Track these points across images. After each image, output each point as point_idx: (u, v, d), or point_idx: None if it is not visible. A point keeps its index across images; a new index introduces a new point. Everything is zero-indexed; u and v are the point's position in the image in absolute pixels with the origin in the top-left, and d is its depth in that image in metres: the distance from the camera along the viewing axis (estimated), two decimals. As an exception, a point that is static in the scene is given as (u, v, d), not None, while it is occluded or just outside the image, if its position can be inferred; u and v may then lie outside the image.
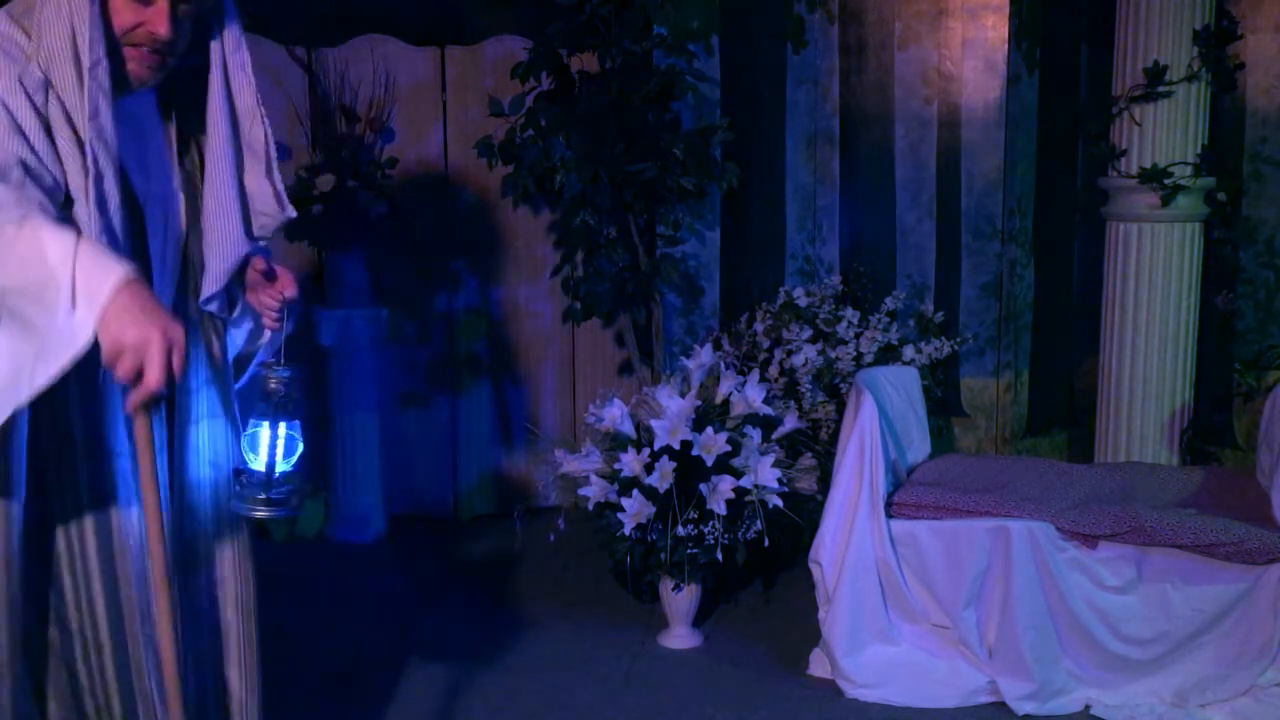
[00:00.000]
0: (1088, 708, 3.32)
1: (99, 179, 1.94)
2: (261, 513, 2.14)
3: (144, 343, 1.72)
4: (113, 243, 1.95)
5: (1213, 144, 4.28)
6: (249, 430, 2.17)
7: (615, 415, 3.69)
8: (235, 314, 2.30)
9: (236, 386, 2.38)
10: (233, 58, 2.13)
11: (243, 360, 2.40)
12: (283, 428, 2.15)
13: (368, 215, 4.55)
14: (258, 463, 2.16)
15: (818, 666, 3.56)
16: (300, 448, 2.19)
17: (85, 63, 1.91)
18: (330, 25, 4.81)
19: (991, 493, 3.51)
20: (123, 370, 1.73)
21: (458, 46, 4.88)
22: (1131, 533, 3.26)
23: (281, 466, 2.15)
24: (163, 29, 1.98)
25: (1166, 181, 4.15)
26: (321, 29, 4.80)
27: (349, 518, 4.80)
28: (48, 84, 1.93)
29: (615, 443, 3.71)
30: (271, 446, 2.14)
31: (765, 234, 5.02)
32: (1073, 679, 3.34)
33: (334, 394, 4.78)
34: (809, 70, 5.01)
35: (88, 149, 1.93)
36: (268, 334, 2.35)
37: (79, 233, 1.81)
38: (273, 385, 2.16)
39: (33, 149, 1.90)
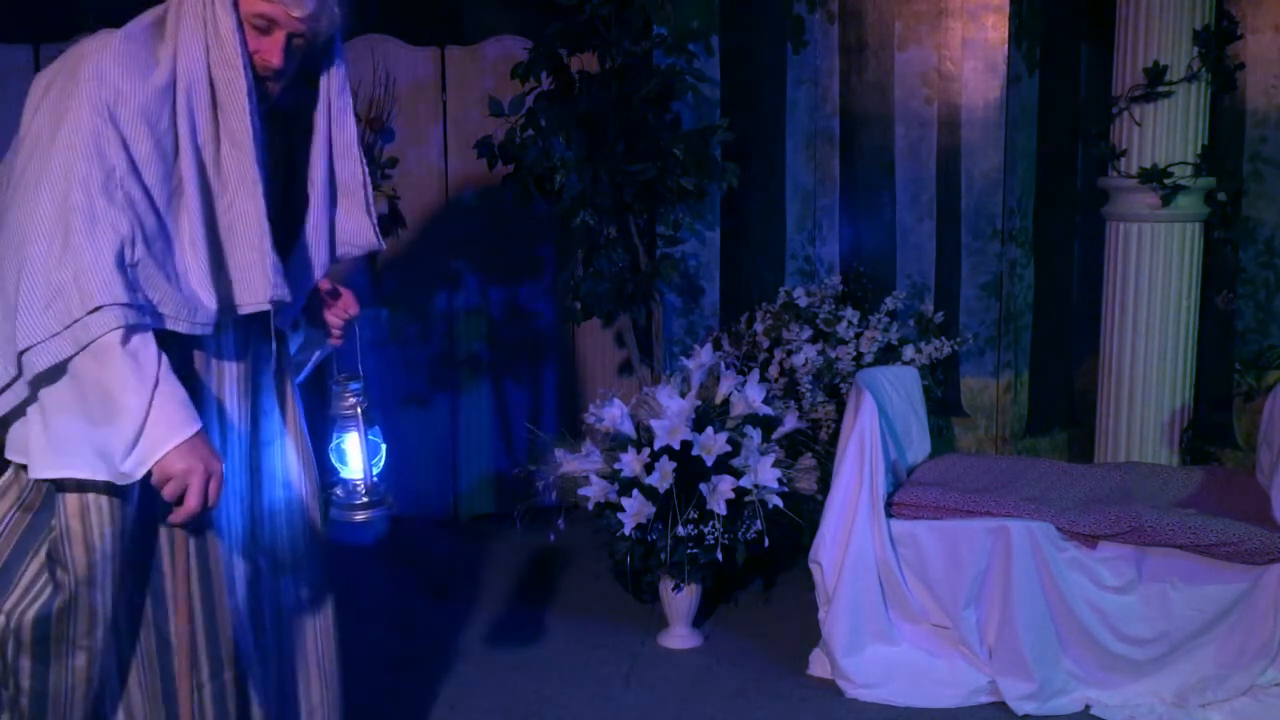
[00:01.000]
0: (1088, 708, 3.32)
1: (254, 186, 2.11)
2: (362, 515, 2.33)
3: (188, 474, 2.00)
4: (247, 255, 2.12)
5: (1213, 144, 4.28)
6: (334, 444, 2.33)
7: (615, 415, 3.69)
8: (294, 330, 2.46)
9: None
10: (338, 100, 2.35)
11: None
12: (359, 436, 2.32)
13: (368, 215, 4.54)
14: (349, 471, 2.33)
15: (818, 666, 3.56)
16: (383, 450, 2.38)
17: (238, 87, 2.06)
18: (330, 25, 4.81)
19: (991, 493, 3.51)
20: (168, 493, 2.02)
21: (458, 46, 4.88)
22: (1131, 533, 3.26)
23: (375, 470, 2.33)
24: (276, 59, 2.13)
25: (1166, 181, 4.15)
26: (321, 29, 4.79)
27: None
28: (175, 101, 2.05)
29: (615, 443, 3.71)
30: (364, 455, 2.31)
31: (765, 234, 5.02)
32: (1073, 679, 3.34)
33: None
34: (809, 70, 5.01)
35: (254, 165, 2.09)
36: (320, 349, 2.53)
37: (159, 365, 2.00)
38: (350, 400, 2.34)
39: (140, 176, 2.02)
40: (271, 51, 2.12)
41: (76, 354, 1.94)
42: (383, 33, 4.80)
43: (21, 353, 1.94)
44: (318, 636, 2.56)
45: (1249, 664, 3.19)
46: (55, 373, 1.97)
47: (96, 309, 1.92)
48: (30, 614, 2.11)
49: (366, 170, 2.35)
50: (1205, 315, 4.48)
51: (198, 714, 2.25)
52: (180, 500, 2.03)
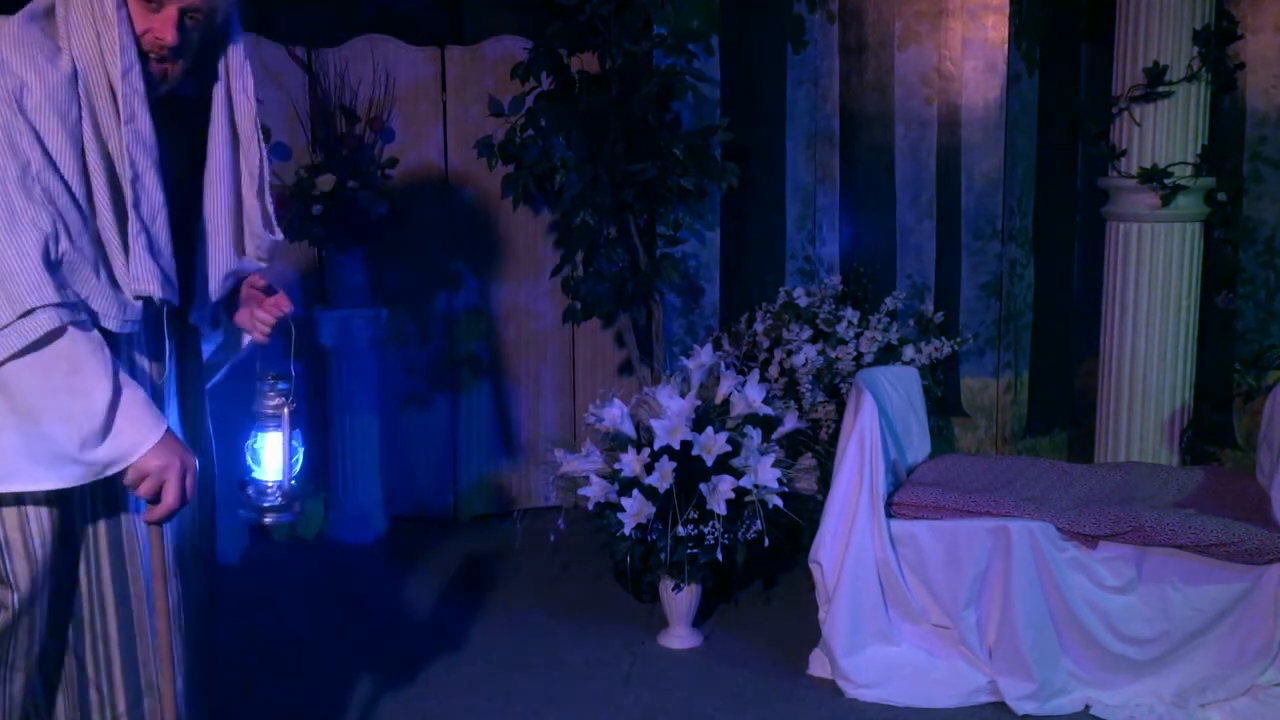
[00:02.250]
0: (1088, 708, 3.32)
1: (135, 181, 2.01)
2: (270, 519, 2.27)
3: (165, 470, 1.97)
4: (151, 247, 2.03)
5: (1213, 144, 4.28)
6: (251, 442, 2.26)
7: (615, 415, 3.69)
8: (213, 329, 2.37)
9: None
10: (236, 81, 2.19)
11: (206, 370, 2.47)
12: (281, 437, 2.22)
13: (368, 215, 4.55)
14: (261, 472, 2.24)
15: (818, 666, 3.56)
16: (301, 454, 2.28)
17: (119, 68, 1.97)
18: (330, 25, 4.81)
19: (991, 493, 3.51)
20: (144, 491, 1.98)
21: (458, 46, 4.88)
22: (1131, 533, 3.26)
23: (282, 475, 2.26)
24: (169, 36, 2.03)
25: (1166, 181, 4.15)
26: (321, 29, 4.80)
27: (349, 518, 4.80)
28: (78, 90, 1.97)
29: (615, 443, 3.71)
30: (285, 457, 2.25)
31: (765, 234, 5.02)
32: (1073, 679, 3.34)
33: (334, 394, 4.78)
34: (809, 70, 5.01)
35: (125, 153, 1.99)
36: (243, 347, 2.45)
37: (113, 362, 1.95)
38: (276, 400, 2.27)
39: (57, 169, 1.94)
40: (164, 29, 2.02)
41: (6, 362, 1.86)
42: (383, 33, 4.80)
43: None
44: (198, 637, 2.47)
45: (1249, 664, 3.19)
46: None
47: (28, 312, 1.85)
48: None
49: (265, 154, 2.25)
50: (1205, 315, 4.48)
51: None
52: (156, 498, 1.99)
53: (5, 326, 1.85)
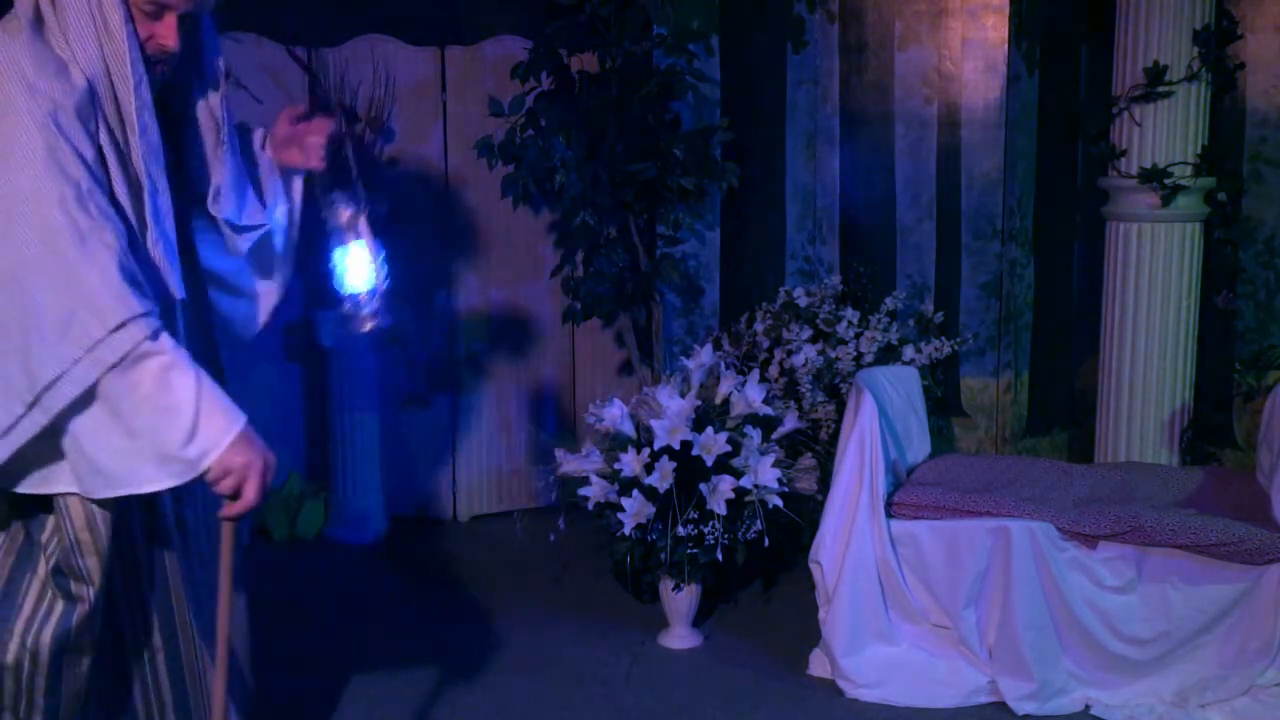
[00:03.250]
0: (1088, 708, 3.32)
1: (153, 191, 2.07)
2: (371, 325, 2.39)
3: (247, 466, 2.01)
4: (168, 251, 2.10)
5: (1213, 144, 4.27)
6: (331, 263, 2.35)
7: (615, 415, 3.68)
8: (270, 205, 2.47)
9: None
10: (210, 67, 2.28)
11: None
12: (364, 246, 2.35)
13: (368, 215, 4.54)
14: (353, 285, 2.37)
15: (818, 666, 3.56)
16: (384, 258, 2.40)
17: (129, 81, 2.02)
18: (330, 25, 4.81)
19: (991, 493, 3.51)
20: (225, 487, 2.02)
21: (458, 46, 4.88)
22: (1131, 533, 3.26)
23: (375, 280, 2.37)
24: (172, 42, 2.08)
25: (1166, 181, 4.15)
26: (321, 29, 4.79)
27: (349, 518, 4.80)
28: (94, 105, 2.01)
29: (615, 443, 3.71)
30: (372, 261, 2.34)
31: (765, 234, 5.02)
32: (1073, 679, 3.34)
33: (334, 394, 4.78)
34: (809, 70, 5.01)
35: (141, 164, 2.06)
36: (295, 195, 2.53)
37: (194, 363, 2.02)
38: (346, 212, 2.34)
39: (99, 184, 2.00)
40: (166, 35, 2.08)
41: (103, 375, 1.92)
42: (383, 33, 4.80)
43: (46, 387, 1.90)
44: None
45: (1249, 664, 3.19)
46: (85, 398, 1.94)
47: (120, 326, 1.91)
48: (48, 633, 2.12)
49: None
50: (1205, 315, 4.48)
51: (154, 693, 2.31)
52: (235, 495, 2.04)
53: (99, 342, 1.91)
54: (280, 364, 4.81)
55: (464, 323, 5.00)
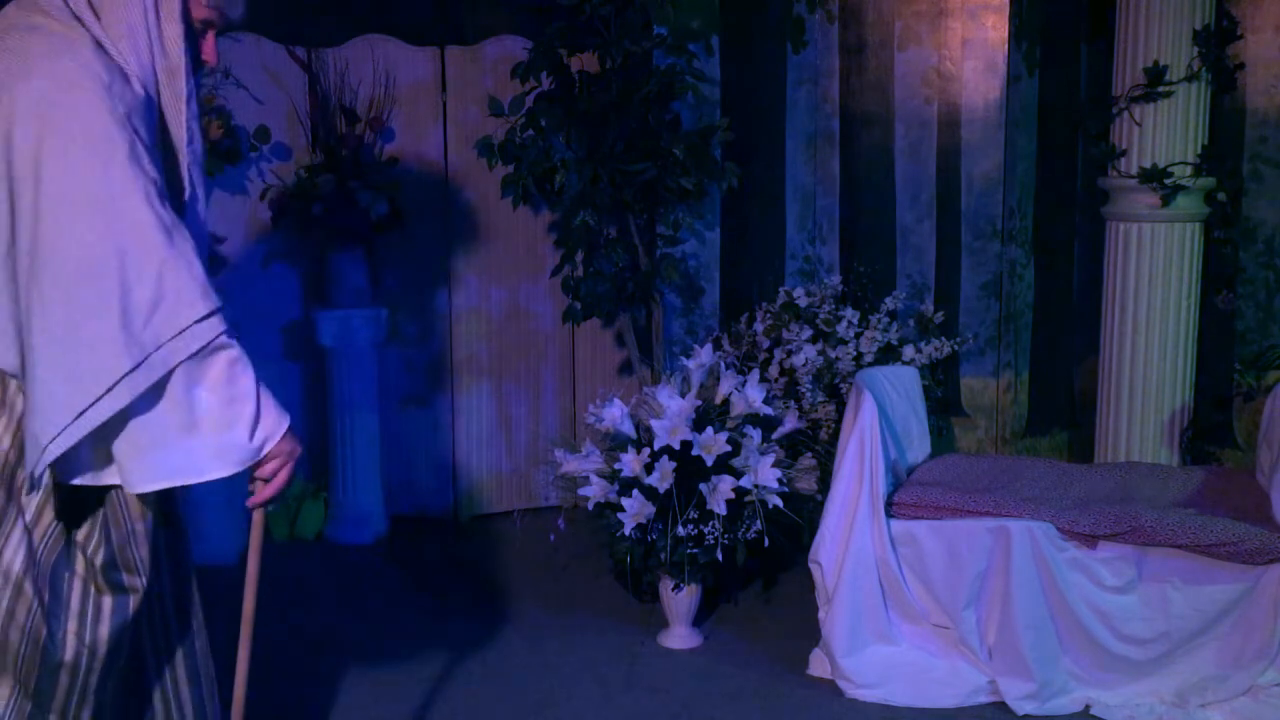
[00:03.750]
0: (1088, 708, 3.32)
1: (192, 197, 2.16)
2: None
3: (288, 456, 2.14)
4: (203, 253, 2.15)
5: (1213, 144, 4.27)
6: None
7: (615, 415, 3.68)
8: None
9: None
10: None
11: None
12: None
13: (368, 215, 4.55)
14: None
15: (818, 666, 3.56)
16: None
17: (182, 96, 2.10)
18: (330, 25, 4.81)
19: (991, 493, 3.51)
20: (267, 471, 2.14)
21: (458, 46, 4.88)
22: (1131, 533, 3.26)
23: None
24: (213, 58, 2.18)
25: (1166, 181, 4.15)
26: (321, 29, 4.79)
27: (349, 518, 4.80)
28: (150, 111, 2.07)
29: (615, 443, 3.71)
30: None
31: (765, 234, 5.02)
32: (1073, 679, 3.34)
33: (334, 394, 4.78)
34: (809, 70, 5.01)
35: (185, 173, 2.14)
36: None
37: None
38: None
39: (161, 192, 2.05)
40: (209, 52, 2.17)
41: (180, 364, 1.98)
42: (383, 33, 4.80)
43: (127, 373, 1.93)
44: None
45: (1249, 664, 3.19)
46: (157, 386, 1.98)
47: (204, 318, 1.98)
48: (104, 628, 2.14)
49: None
50: (1205, 315, 4.48)
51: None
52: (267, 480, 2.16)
53: (184, 330, 1.97)
54: (280, 364, 4.81)
55: (464, 323, 5.00)
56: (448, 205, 4.92)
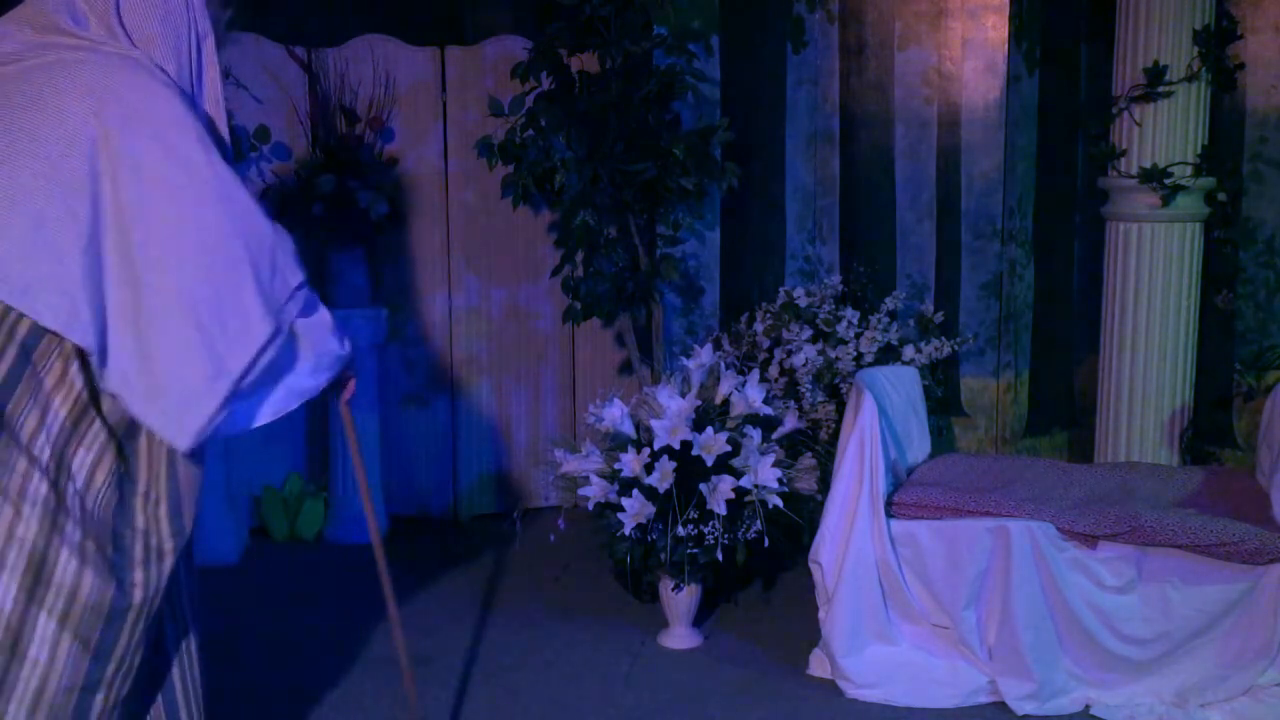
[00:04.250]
0: (1088, 708, 3.32)
1: None
2: None
3: (354, 362, 2.55)
4: None
5: (1213, 144, 4.28)
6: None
7: (615, 415, 3.69)
8: None
9: None
10: None
11: None
12: None
13: (368, 215, 4.55)
14: None
15: (818, 666, 3.56)
16: None
17: (223, 110, 2.31)
18: (330, 25, 4.82)
19: (991, 493, 3.51)
20: (345, 375, 2.52)
21: (458, 46, 4.88)
22: (1131, 533, 3.26)
23: None
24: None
25: (1166, 181, 4.16)
26: (321, 29, 4.80)
27: (349, 518, 4.79)
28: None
29: (615, 443, 3.71)
30: None
31: (765, 234, 5.02)
32: (1073, 679, 3.34)
33: (334, 394, 4.78)
34: (809, 70, 5.01)
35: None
36: None
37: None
38: None
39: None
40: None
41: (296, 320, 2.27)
42: (383, 33, 4.80)
43: (272, 335, 2.18)
44: None
45: (1249, 664, 3.19)
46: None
47: (302, 283, 2.25)
48: (156, 585, 2.20)
49: None
50: (1205, 315, 4.48)
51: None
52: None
53: (296, 290, 2.24)
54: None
55: (464, 323, 5.01)
56: (448, 205, 4.92)
